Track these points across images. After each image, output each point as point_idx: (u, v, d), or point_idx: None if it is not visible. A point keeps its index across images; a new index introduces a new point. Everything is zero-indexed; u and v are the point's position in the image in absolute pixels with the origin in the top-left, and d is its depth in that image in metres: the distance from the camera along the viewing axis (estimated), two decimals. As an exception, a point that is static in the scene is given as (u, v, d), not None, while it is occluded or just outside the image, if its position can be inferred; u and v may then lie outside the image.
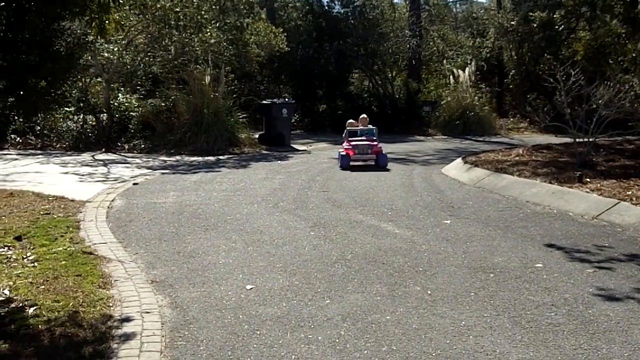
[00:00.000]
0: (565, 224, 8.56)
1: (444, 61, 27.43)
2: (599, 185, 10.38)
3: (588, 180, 10.79)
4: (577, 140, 13.80)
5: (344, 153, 14.00)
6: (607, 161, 13.52)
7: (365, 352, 4.49)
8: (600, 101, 12.92)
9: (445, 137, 22.49)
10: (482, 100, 25.27)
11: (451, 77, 24.56)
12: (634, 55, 24.15)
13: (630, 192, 9.63)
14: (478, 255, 6.97)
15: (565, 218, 8.94)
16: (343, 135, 14.76)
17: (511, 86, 28.90)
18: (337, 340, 4.69)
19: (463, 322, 5.03)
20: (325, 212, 9.26)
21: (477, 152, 15.85)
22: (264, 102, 19.57)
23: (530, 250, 7.21)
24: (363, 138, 14.40)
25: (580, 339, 4.73)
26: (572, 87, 13.76)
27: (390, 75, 27.42)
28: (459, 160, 14.11)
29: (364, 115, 15.34)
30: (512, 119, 26.61)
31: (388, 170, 13.80)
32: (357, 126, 14.92)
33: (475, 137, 22.09)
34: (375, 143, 14.28)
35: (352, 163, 13.90)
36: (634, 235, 7.92)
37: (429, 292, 5.75)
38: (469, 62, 26.30)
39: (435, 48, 30.18)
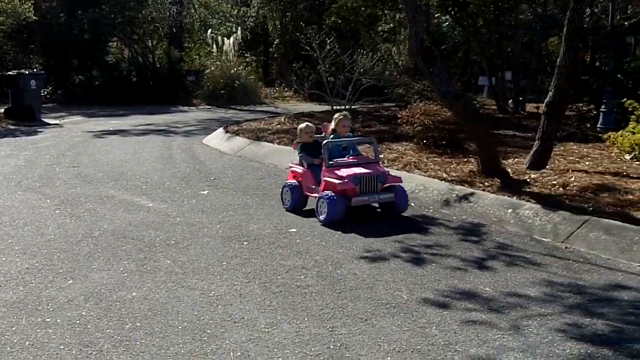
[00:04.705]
0: (320, 188, 8.73)
1: (209, 30, 27.03)
2: (354, 149, 10.72)
3: (344, 145, 11.10)
4: (335, 107, 14.27)
5: (330, 194, 6.98)
6: (364, 127, 14.08)
7: (108, 331, 4.26)
8: (361, 69, 13.42)
9: (210, 107, 22.25)
10: (248, 69, 25.31)
11: (214, 46, 24.28)
12: (392, 25, 25.53)
13: (381, 156, 10.05)
14: (233, 224, 6.88)
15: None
16: (297, 152, 7.88)
17: (276, 55, 29.30)
18: (78, 322, 4.40)
19: (213, 292, 4.91)
20: (74, 188, 8.69)
21: (240, 122, 15.81)
22: (9, 73, 18.08)
23: (286, 216, 7.27)
24: (352, 159, 7.55)
25: (327, 298, 4.79)
26: (328, 55, 14.16)
27: (150, 43, 26.56)
28: (221, 129, 13.98)
29: (344, 114, 8.15)
30: (278, 88, 26.96)
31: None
32: (325, 133, 8.05)
33: (240, 107, 22.06)
34: (383, 170, 7.57)
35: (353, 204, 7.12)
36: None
37: (179, 264, 5.57)
38: (233, 31, 26.19)
39: (197, 16, 29.72)
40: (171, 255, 5.81)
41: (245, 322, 4.38)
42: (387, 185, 7.31)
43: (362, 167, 7.30)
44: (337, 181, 7.05)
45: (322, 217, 6.99)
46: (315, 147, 7.68)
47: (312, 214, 7.17)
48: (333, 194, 6.99)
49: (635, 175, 8.43)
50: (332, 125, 7.92)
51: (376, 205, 7.49)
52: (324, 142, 7.49)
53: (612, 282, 5.21)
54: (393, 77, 17.93)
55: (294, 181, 7.68)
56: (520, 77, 19.18)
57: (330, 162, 7.29)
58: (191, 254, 5.87)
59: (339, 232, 6.59)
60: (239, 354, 3.93)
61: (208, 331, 4.24)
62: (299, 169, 7.70)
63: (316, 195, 7.24)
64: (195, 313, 4.53)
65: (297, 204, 7.53)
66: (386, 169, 7.75)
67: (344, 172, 7.15)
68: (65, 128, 15.93)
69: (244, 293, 4.90)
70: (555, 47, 21.61)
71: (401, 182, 7.47)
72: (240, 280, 5.17)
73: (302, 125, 8.00)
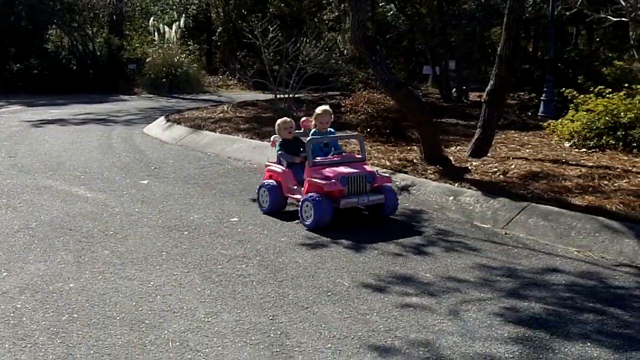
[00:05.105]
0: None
1: (151, 17, 26.64)
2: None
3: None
4: (278, 96, 14.20)
5: (315, 196, 6.33)
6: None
7: (44, 323, 4.14)
8: (306, 58, 13.37)
9: (152, 95, 21.94)
10: (191, 57, 25.03)
11: (156, 33, 23.91)
12: (337, 13, 25.54)
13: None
14: (174, 214, 6.77)
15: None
16: (276, 149, 7.19)
17: (219, 43, 29.06)
18: (12, 315, 4.27)
19: (152, 283, 4.82)
20: (10, 179, 8.44)
21: (182, 110, 15.64)
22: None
23: (228, 205, 7.18)
24: (333, 157, 6.84)
25: (268, 287, 4.75)
26: (271, 43, 14.08)
27: (90, 31, 26.03)
28: (162, 118, 13.78)
29: (324, 109, 7.25)
30: (221, 77, 26.75)
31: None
32: (308, 127, 7.34)
33: (183, 95, 21.84)
34: (371, 169, 6.97)
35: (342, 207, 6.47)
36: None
37: (117, 255, 5.45)
38: (176, 18, 25.86)
39: (138, 3, 29.26)
40: (109, 246, 5.69)
41: (185, 312, 4.30)
42: (375, 185, 6.66)
43: (349, 166, 6.64)
44: (323, 182, 6.39)
45: (307, 222, 6.33)
46: (295, 144, 7.12)
47: (292, 216, 6.62)
48: (319, 195, 6.35)
49: (573, 162, 8.61)
50: (316, 120, 7.17)
51: (362, 206, 6.87)
52: (308, 139, 6.83)
53: (549, 267, 5.30)
54: (338, 66, 17.95)
55: (272, 181, 6.99)
56: (463, 67, 19.42)
57: (314, 161, 6.63)
58: (130, 244, 5.75)
59: (281, 220, 6.56)
60: (177, 343, 3.86)
61: (146, 322, 4.15)
62: (278, 168, 7.01)
63: (298, 196, 6.63)
64: (134, 304, 4.43)
65: (276, 206, 6.88)
66: (375, 169, 7.27)
67: (330, 171, 6.48)
68: (2, 117, 15.50)
69: (183, 283, 4.82)
70: (497, 37, 21.89)
71: (391, 182, 6.97)
72: (180, 270, 5.09)
73: (280, 121, 7.24)
